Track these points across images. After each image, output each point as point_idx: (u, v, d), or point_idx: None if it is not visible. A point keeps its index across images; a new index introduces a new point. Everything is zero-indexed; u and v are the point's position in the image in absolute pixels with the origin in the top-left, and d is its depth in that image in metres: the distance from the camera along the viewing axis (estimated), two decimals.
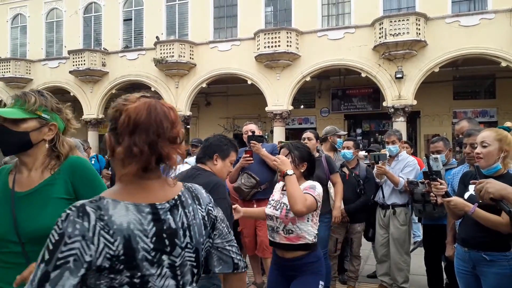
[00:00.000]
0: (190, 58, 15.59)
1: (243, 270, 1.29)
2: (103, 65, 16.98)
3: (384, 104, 13.72)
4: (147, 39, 16.63)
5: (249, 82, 15.04)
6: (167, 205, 1.07)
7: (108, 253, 0.94)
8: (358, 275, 4.61)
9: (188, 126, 16.33)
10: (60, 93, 18.13)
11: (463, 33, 12.63)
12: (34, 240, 1.50)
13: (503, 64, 12.39)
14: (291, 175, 2.35)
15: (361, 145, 6.05)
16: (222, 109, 17.61)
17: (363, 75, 13.84)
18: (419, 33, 12.74)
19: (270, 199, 2.64)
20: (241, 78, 15.23)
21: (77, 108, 18.14)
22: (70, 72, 16.95)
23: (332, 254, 4.39)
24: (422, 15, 12.85)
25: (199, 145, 5.03)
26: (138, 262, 0.98)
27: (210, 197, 1.26)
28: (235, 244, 1.31)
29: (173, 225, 1.06)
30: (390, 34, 12.79)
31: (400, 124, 13.24)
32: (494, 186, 1.88)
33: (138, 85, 17.00)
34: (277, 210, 2.49)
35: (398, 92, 13.30)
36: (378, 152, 4.18)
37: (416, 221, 6.22)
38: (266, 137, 15.59)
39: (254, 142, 3.97)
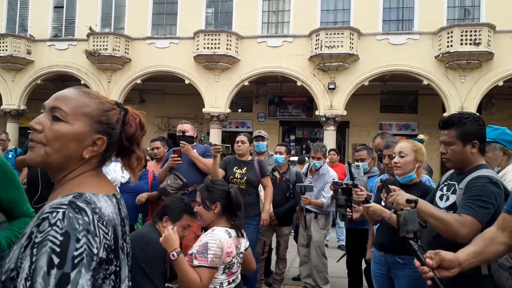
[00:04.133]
0: (125, 52, 15.01)
1: None
2: (28, 52, 15.76)
3: (317, 113, 14.23)
4: (79, 29, 15.72)
5: (187, 81, 14.82)
6: (119, 196, 1.14)
7: (106, 243, 0.96)
8: (283, 277, 4.72)
9: None
10: None
11: (391, 50, 13.52)
12: None
13: (425, 82, 13.45)
14: (174, 259, 2.04)
15: (292, 151, 6.22)
16: (157, 107, 17.14)
17: (299, 83, 14.26)
18: (352, 47, 13.41)
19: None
20: (178, 77, 14.96)
21: None
22: None
23: (260, 257, 4.45)
24: (356, 30, 13.55)
25: None
26: (119, 249, 1.02)
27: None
28: None
29: (123, 215, 1.12)
30: (326, 46, 13.32)
31: (330, 133, 13.83)
32: (403, 198, 2.02)
33: (67, 76, 16.02)
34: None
35: (330, 102, 13.87)
36: (304, 184, 4.40)
37: (341, 225, 6.53)
38: (202, 138, 15.44)
39: (183, 142, 3.90)
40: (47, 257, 0.85)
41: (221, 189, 2.34)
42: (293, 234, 5.35)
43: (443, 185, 2.22)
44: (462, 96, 13.03)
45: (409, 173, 2.62)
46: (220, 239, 2.15)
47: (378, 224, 2.86)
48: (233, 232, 2.28)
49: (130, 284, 1.14)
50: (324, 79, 13.90)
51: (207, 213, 2.28)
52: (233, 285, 2.25)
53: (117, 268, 1.02)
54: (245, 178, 4.17)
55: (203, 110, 14.70)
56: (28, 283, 0.84)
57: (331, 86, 13.67)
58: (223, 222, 2.31)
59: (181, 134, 4.04)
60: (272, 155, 5.10)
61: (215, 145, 3.78)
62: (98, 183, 1.07)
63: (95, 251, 0.92)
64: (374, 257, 2.85)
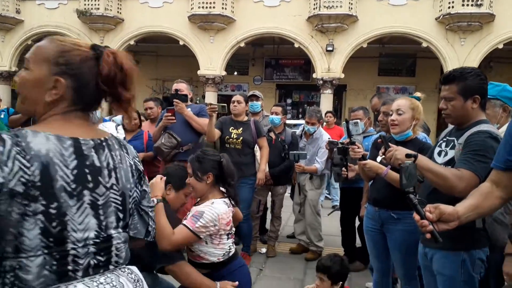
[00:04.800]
0: (118, 12, 14.57)
1: (152, 238, 1.34)
2: (17, 12, 15.26)
3: (314, 76, 14.06)
4: None
5: (181, 43, 14.50)
6: (92, 142, 1.09)
7: (23, 177, 0.95)
8: (278, 235, 4.81)
9: None
10: None
11: (391, 11, 13.18)
12: None
13: (424, 44, 13.23)
14: (155, 204, 1.99)
15: (289, 115, 6.18)
16: (151, 69, 16.85)
17: (296, 45, 13.98)
18: (351, 8, 13.07)
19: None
20: (172, 38, 14.61)
21: None
22: None
23: (255, 215, 4.52)
24: None
25: None
26: (55, 191, 0.99)
27: (137, 153, 1.30)
28: (153, 215, 1.36)
29: (97, 163, 1.09)
30: (324, 6, 12.98)
31: (327, 96, 13.73)
32: (401, 153, 2.01)
33: None
34: None
35: (328, 65, 13.68)
36: (298, 152, 4.37)
37: (336, 186, 6.59)
38: (197, 101, 15.29)
39: (177, 101, 3.83)
40: None
41: (213, 159, 2.27)
42: (289, 193, 5.41)
43: (441, 141, 2.20)
44: (461, 59, 12.86)
45: (406, 131, 2.59)
46: (218, 213, 2.11)
47: (372, 180, 2.87)
48: (228, 201, 2.26)
49: (102, 234, 1.08)
50: (322, 40, 13.62)
51: (199, 184, 2.23)
52: (234, 243, 2.30)
53: (51, 210, 0.99)
54: (241, 138, 4.15)
55: (198, 72, 14.48)
56: None
57: (329, 48, 13.43)
58: (217, 192, 2.27)
59: (174, 92, 3.98)
60: (267, 115, 5.07)
61: (210, 104, 3.72)
62: (61, 125, 1.07)
63: None
64: (367, 213, 2.88)
